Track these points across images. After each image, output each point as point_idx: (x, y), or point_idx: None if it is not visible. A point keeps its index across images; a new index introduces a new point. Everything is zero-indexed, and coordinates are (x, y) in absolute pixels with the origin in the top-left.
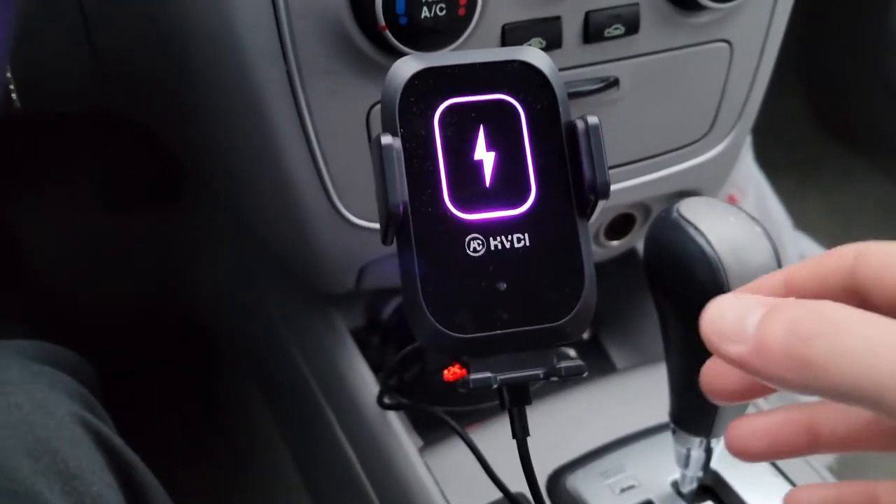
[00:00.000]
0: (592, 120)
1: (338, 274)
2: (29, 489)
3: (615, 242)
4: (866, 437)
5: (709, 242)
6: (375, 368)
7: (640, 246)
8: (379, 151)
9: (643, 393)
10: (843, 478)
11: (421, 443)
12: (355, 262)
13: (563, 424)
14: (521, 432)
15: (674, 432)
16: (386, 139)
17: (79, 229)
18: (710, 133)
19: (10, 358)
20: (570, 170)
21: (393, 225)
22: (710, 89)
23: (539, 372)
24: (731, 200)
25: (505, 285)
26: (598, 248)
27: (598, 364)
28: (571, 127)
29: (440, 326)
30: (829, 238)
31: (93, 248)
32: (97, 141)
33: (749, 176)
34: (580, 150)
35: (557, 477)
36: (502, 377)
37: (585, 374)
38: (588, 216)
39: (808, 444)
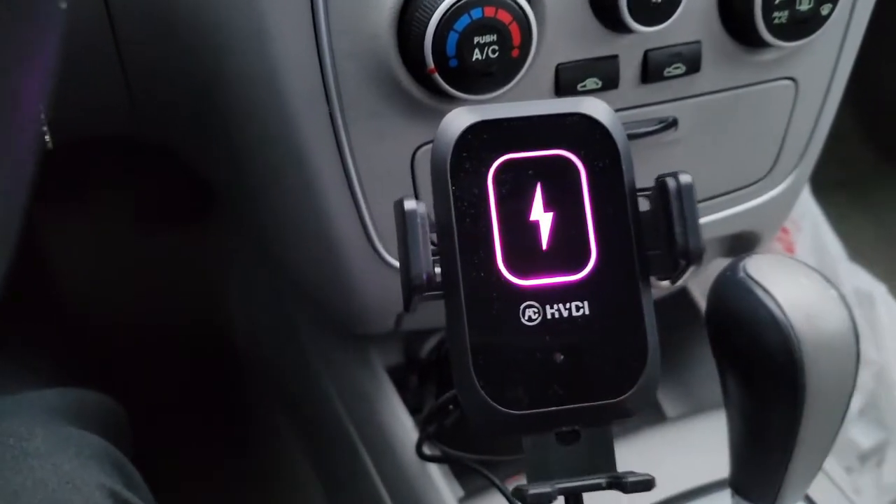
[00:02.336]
0: (685, 179)
1: (376, 317)
2: None
3: (665, 283)
4: None
5: (780, 307)
6: (413, 410)
7: (691, 285)
8: (402, 217)
9: (697, 445)
10: None
11: (462, 493)
12: (395, 306)
13: None
14: None
15: (733, 497)
16: (409, 204)
17: (107, 251)
18: (771, 174)
19: (36, 417)
20: (634, 231)
21: (417, 294)
22: (772, 129)
23: (601, 481)
24: (786, 233)
25: (562, 357)
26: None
27: (646, 412)
28: (660, 186)
29: (491, 401)
30: (886, 269)
31: (122, 270)
32: (126, 162)
33: (804, 208)
34: (671, 212)
35: None
36: (561, 486)
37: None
38: (675, 281)
39: None
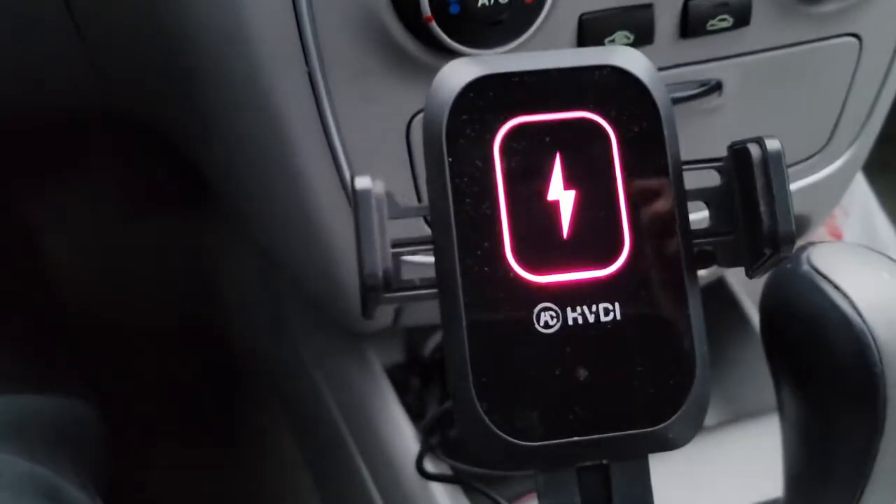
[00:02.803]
0: (773, 145)
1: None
2: None
3: (703, 272)
4: None
5: (855, 307)
6: (415, 416)
7: (729, 275)
8: (354, 199)
9: (740, 460)
10: None
11: None
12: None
13: None
14: None
15: None
16: (361, 182)
17: (98, 236)
18: (827, 147)
19: None
20: (679, 214)
21: (373, 296)
22: (830, 94)
23: None
24: (832, 218)
25: (586, 373)
26: None
27: None
28: (739, 153)
29: (497, 430)
30: None
31: (112, 256)
32: (117, 146)
33: (853, 189)
34: (754, 186)
35: None
36: None
37: None
38: (756, 274)
39: None
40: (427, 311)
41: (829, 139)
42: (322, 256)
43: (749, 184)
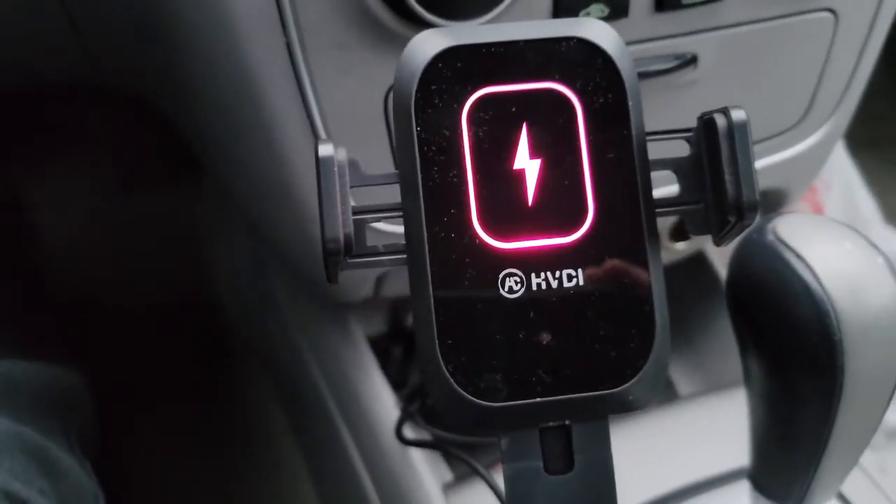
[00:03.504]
0: (738, 115)
1: (352, 282)
2: None
3: (681, 245)
4: None
5: (816, 277)
6: (397, 385)
7: (708, 248)
8: (317, 166)
9: (712, 429)
10: None
11: (450, 476)
12: (372, 271)
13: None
14: None
15: (752, 493)
16: (324, 149)
17: (90, 212)
18: (803, 122)
19: None
20: (642, 183)
21: (333, 261)
22: (806, 69)
23: None
24: (813, 192)
25: (549, 337)
26: (662, 252)
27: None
28: (707, 124)
29: (462, 391)
30: None
31: (104, 229)
32: (109, 119)
33: (835, 163)
34: (719, 155)
35: None
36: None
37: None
38: (722, 242)
39: None
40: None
41: (806, 114)
42: (302, 226)
43: (715, 153)
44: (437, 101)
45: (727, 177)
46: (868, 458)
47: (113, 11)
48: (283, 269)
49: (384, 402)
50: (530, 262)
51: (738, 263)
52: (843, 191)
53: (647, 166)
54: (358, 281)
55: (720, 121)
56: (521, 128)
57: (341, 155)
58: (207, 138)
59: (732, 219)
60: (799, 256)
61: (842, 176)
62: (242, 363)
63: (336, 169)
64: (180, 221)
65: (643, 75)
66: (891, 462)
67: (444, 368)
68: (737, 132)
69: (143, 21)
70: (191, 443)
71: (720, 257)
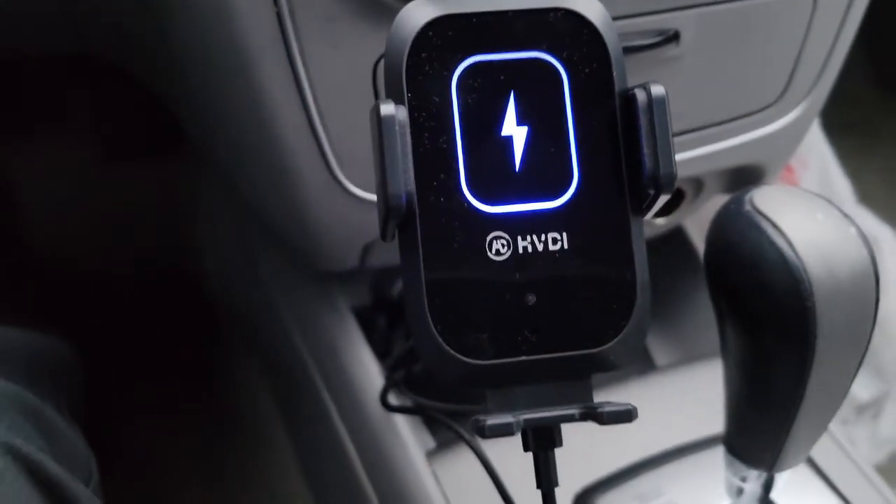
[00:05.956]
0: (657, 90)
1: (338, 251)
2: None
3: (661, 220)
4: None
5: (790, 244)
6: (381, 355)
7: (687, 223)
8: (378, 125)
9: (688, 398)
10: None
11: (433, 443)
12: (359, 238)
13: (594, 434)
14: (546, 484)
15: (727, 457)
16: (387, 108)
17: (74, 180)
18: (781, 100)
19: None
20: (625, 152)
21: (394, 219)
22: (785, 48)
23: (574, 412)
24: (790, 171)
25: (534, 298)
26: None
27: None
28: (629, 98)
29: (450, 349)
30: (893, 214)
31: (89, 201)
32: (93, 88)
33: (812, 143)
34: (639, 129)
35: (585, 498)
36: (527, 417)
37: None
38: (644, 213)
39: None
40: (393, 252)
41: (784, 91)
42: (290, 197)
43: (635, 126)
44: (427, 68)
45: (645, 150)
46: (839, 431)
47: None
48: (268, 240)
49: (369, 371)
50: (517, 226)
51: (716, 232)
52: (819, 171)
53: None
54: (345, 250)
55: (640, 95)
56: (509, 95)
57: (401, 114)
58: (194, 108)
59: (651, 191)
60: (775, 226)
61: (817, 157)
62: (226, 334)
63: (398, 128)
64: (163, 194)
65: (627, 50)
66: (859, 435)
67: (432, 327)
68: (655, 106)
69: None
70: (175, 413)
71: (698, 232)
